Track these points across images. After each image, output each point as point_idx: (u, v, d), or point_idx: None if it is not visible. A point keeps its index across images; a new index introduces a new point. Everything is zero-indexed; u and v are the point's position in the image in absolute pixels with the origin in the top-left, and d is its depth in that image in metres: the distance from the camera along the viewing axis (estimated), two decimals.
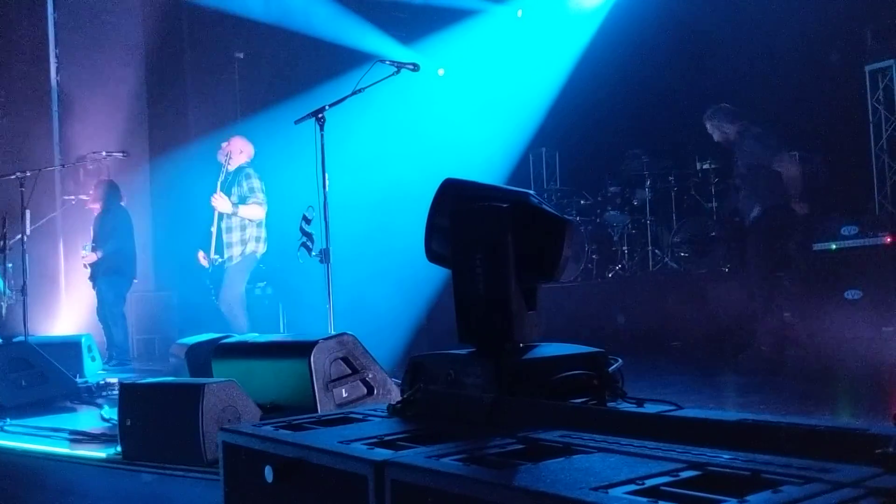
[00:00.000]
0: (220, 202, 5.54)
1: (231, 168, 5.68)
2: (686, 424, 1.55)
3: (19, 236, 5.91)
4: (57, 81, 8.79)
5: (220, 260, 5.63)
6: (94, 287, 7.03)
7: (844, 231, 5.85)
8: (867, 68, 6.73)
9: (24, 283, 5.61)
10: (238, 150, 5.75)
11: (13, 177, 5.93)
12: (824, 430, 1.37)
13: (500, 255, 2.00)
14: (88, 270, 6.99)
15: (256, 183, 5.68)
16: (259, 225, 5.72)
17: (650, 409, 1.79)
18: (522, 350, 2.04)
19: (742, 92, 7.25)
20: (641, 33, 7.56)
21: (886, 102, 6.66)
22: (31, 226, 5.95)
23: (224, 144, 5.78)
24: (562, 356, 2.02)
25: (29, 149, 8.37)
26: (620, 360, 2.02)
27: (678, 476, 1.25)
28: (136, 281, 7.27)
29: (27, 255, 5.80)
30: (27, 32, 8.70)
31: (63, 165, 7.44)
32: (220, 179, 5.62)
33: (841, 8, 6.62)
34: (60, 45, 8.86)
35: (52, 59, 8.78)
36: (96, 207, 7.10)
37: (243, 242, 5.65)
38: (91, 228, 7.12)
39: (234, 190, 5.65)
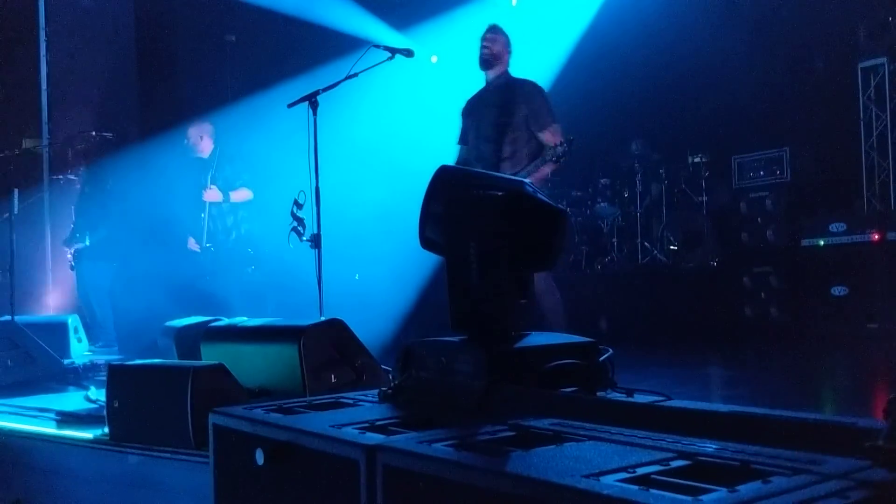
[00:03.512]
0: (212, 194, 5.52)
1: (206, 155, 5.64)
2: (676, 415, 1.56)
3: (6, 215, 5.86)
4: (47, 61, 8.69)
5: (212, 248, 5.61)
6: (71, 268, 7.02)
7: (832, 228, 5.90)
8: (859, 66, 6.76)
9: (12, 262, 5.57)
10: (199, 137, 5.69)
11: (1, 156, 5.88)
12: (813, 423, 1.38)
13: (493, 243, 2.00)
14: (70, 256, 6.98)
15: (239, 165, 5.67)
16: (248, 206, 5.71)
17: (640, 399, 1.80)
18: (514, 339, 2.05)
19: (734, 88, 7.28)
20: (634, 26, 7.56)
21: (877, 100, 6.70)
22: (18, 205, 5.90)
23: (185, 141, 5.73)
24: (553, 345, 2.03)
25: (17, 128, 8.28)
26: (611, 350, 2.03)
27: (669, 465, 1.26)
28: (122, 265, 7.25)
29: (14, 234, 5.75)
30: (16, 11, 8.59)
31: (50, 144, 7.37)
32: (210, 173, 5.58)
33: (833, 5, 6.64)
34: (50, 25, 8.75)
35: (42, 39, 8.68)
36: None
37: (236, 226, 5.65)
38: (73, 210, 7.10)
39: (220, 176, 5.63)
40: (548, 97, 4.42)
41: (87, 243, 6.81)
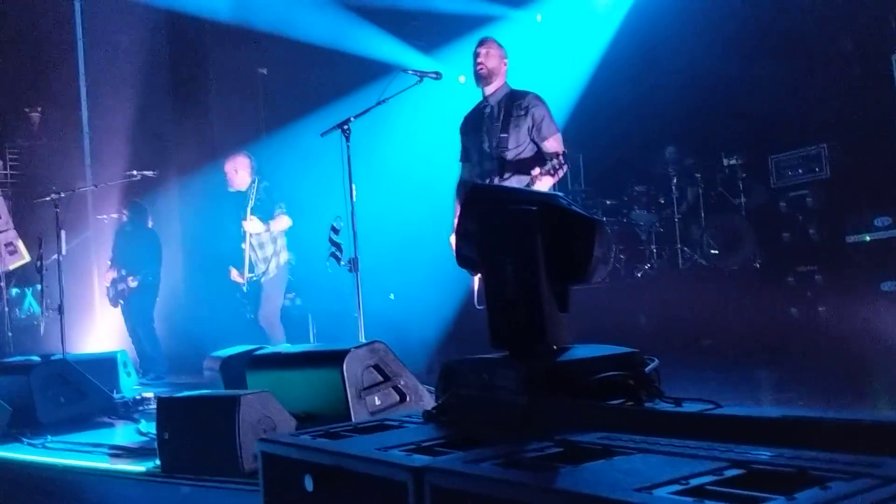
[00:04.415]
0: (252, 224, 5.59)
1: (243, 188, 5.73)
2: (727, 422, 1.53)
3: (55, 256, 6.05)
4: (87, 105, 8.99)
5: (254, 278, 5.69)
6: (112, 304, 7.23)
7: (878, 222, 5.75)
8: (893, 57, 6.61)
9: (61, 301, 5.72)
10: (234, 171, 5.78)
11: (48, 199, 6.08)
12: (869, 424, 1.34)
13: (530, 257, 2.00)
14: (109, 293, 7.21)
15: (276, 194, 5.76)
16: (285, 234, 5.80)
17: (689, 407, 1.77)
18: (556, 352, 2.03)
19: (766, 86, 7.16)
20: (662, 30, 7.51)
21: None
22: (66, 246, 6.08)
23: (225, 177, 5.83)
24: (596, 357, 2.00)
25: (62, 171, 8.57)
26: (657, 360, 2.00)
27: (722, 475, 1.24)
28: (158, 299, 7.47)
29: (62, 274, 5.92)
30: (57, 61, 8.92)
31: (96, 186, 7.60)
32: (249, 205, 5.64)
33: None
34: (89, 70, 9.06)
35: (83, 84, 8.98)
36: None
37: (276, 254, 5.73)
38: (112, 248, 7.33)
39: (258, 206, 5.71)
40: (549, 107, 4.34)
41: (133, 282, 7.02)
